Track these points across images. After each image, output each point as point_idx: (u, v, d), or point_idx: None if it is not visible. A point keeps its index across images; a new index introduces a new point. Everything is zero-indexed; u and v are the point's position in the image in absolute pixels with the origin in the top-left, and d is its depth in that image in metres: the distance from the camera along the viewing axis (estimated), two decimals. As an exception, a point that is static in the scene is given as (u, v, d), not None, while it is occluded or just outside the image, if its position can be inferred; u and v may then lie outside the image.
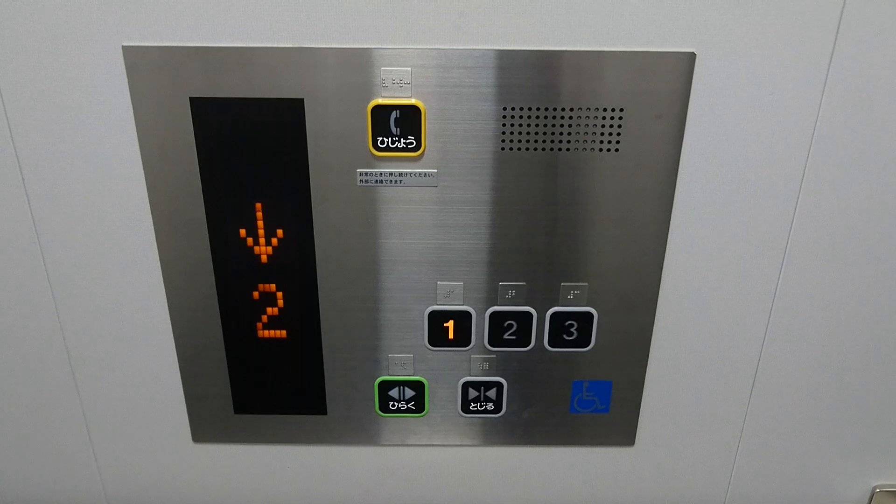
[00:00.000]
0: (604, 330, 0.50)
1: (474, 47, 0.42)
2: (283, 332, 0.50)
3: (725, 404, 0.54)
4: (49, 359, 0.52)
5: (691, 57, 0.42)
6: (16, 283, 0.49)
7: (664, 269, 0.48)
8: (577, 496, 0.58)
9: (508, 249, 0.47)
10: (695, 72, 0.42)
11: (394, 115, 0.43)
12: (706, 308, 0.50)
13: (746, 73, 0.42)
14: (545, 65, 0.42)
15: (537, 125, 0.43)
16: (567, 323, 0.50)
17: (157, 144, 0.44)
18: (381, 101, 0.43)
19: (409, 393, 0.53)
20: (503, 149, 0.44)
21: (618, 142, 0.44)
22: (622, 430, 0.54)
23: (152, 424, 0.54)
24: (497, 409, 0.53)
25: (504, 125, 0.43)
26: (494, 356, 0.51)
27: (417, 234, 0.47)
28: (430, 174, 0.45)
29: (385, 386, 0.52)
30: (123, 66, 0.42)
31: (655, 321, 0.50)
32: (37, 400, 0.54)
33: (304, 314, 0.49)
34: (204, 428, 0.54)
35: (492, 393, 0.53)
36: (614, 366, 0.51)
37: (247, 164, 0.44)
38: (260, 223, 0.46)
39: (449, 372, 0.52)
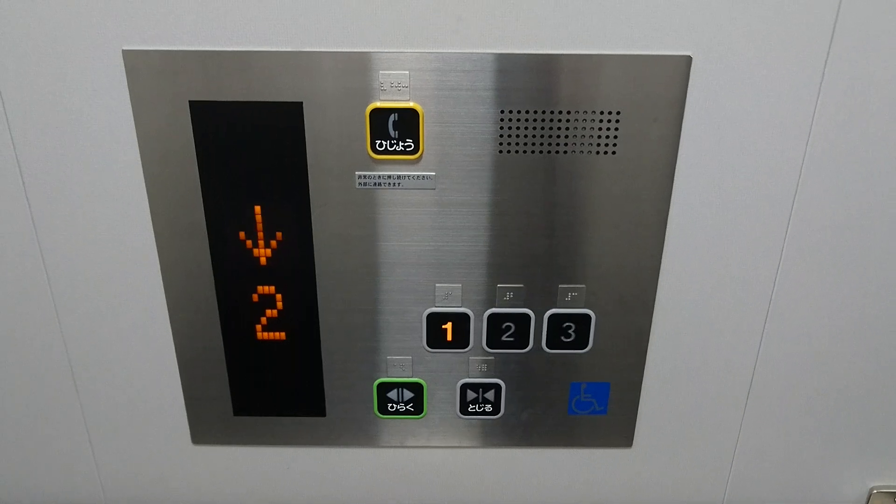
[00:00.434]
0: (602, 332, 0.50)
1: (472, 51, 0.42)
2: (283, 334, 0.50)
3: (723, 406, 0.54)
4: (49, 360, 0.52)
5: (687, 60, 0.42)
6: (16, 284, 0.49)
7: (661, 271, 0.48)
8: (575, 497, 0.58)
9: (506, 252, 0.47)
10: (691, 75, 0.42)
11: (392, 118, 0.43)
12: (703, 310, 0.50)
13: (742, 77, 0.42)
14: (543, 68, 0.42)
15: (535, 128, 0.44)
16: (565, 325, 0.50)
17: (157, 147, 0.44)
18: (379, 104, 0.43)
19: (408, 395, 0.53)
20: (501, 152, 0.44)
21: (615, 145, 0.44)
22: (620, 432, 0.54)
23: (152, 426, 0.55)
24: (495, 410, 0.53)
25: (502, 128, 0.44)
26: (493, 358, 0.51)
27: (416, 237, 0.47)
28: (428, 177, 0.45)
29: (384, 388, 0.53)
30: (124, 70, 0.42)
31: (653, 323, 0.50)
32: (37, 401, 0.54)
33: (303, 316, 0.49)
34: (203, 429, 0.54)
35: (490, 394, 0.53)
36: (612, 367, 0.52)
37: (246, 167, 0.45)
38: (259, 226, 0.46)
39: (447, 374, 0.52)
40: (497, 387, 0.53)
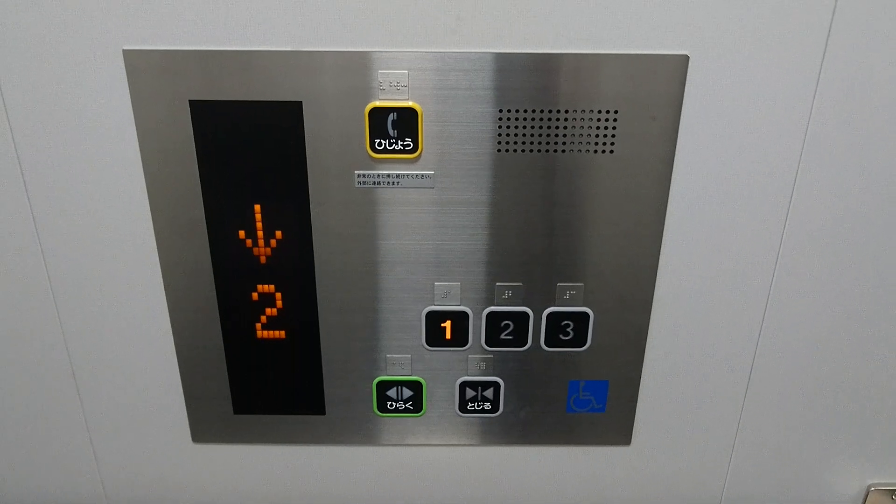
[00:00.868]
0: (600, 330, 0.50)
1: (471, 50, 0.42)
2: (282, 333, 0.50)
3: (721, 403, 0.54)
4: (49, 359, 0.52)
5: (684, 59, 0.42)
6: (17, 283, 0.49)
7: (659, 268, 0.48)
8: (574, 495, 0.58)
9: (505, 250, 0.48)
10: (688, 74, 0.42)
11: (391, 117, 0.43)
12: (701, 307, 0.50)
13: (739, 75, 0.42)
14: (541, 67, 0.42)
15: (533, 127, 0.44)
16: (563, 323, 0.50)
17: (158, 147, 0.44)
18: (378, 103, 0.43)
19: (407, 393, 0.53)
20: (500, 150, 0.45)
21: (613, 143, 0.44)
22: (618, 430, 0.55)
23: (152, 424, 0.55)
24: (494, 408, 0.54)
25: (500, 127, 0.44)
26: (491, 356, 0.52)
27: (415, 235, 0.47)
28: (427, 176, 0.45)
29: (383, 386, 0.53)
30: (124, 70, 0.42)
31: (651, 321, 0.50)
32: (37, 400, 0.54)
33: (302, 315, 0.50)
34: (203, 428, 0.55)
35: (489, 392, 0.53)
36: (610, 365, 0.52)
37: (246, 166, 0.45)
38: (259, 224, 0.47)
39: (446, 372, 0.52)
40: (496, 385, 0.53)
